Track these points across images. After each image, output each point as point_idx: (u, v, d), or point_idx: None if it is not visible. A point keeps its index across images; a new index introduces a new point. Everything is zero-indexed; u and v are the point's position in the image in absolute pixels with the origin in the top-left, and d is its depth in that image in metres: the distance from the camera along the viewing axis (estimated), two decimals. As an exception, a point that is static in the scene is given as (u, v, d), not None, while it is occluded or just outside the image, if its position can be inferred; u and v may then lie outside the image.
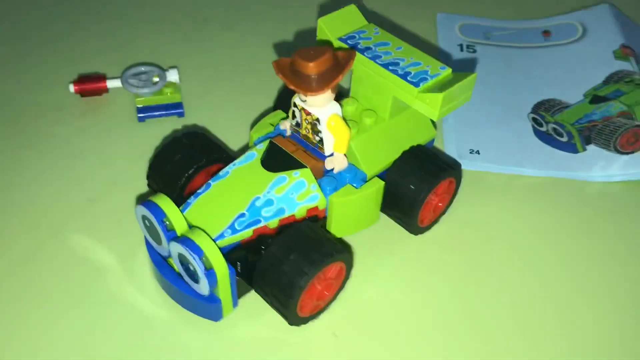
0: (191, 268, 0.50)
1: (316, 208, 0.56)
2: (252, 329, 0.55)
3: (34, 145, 0.69)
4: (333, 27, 0.61)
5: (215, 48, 0.84)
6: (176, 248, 0.50)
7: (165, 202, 0.52)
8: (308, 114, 0.55)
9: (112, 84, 0.74)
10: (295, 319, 0.53)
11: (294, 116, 0.57)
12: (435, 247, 0.62)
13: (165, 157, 0.59)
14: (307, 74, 0.52)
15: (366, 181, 0.58)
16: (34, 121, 0.72)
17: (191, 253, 0.49)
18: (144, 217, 0.53)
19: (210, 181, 0.55)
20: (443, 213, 0.64)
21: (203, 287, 0.50)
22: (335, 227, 0.58)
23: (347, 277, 0.56)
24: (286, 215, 0.54)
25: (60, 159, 0.68)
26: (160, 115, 0.72)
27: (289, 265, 0.50)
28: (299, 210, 0.55)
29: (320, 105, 0.54)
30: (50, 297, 0.56)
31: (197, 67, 0.80)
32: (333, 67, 0.53)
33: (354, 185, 0.57)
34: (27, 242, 0.60)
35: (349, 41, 0.60)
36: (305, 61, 0.52)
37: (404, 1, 0.94)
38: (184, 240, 0.50)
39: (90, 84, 0.74)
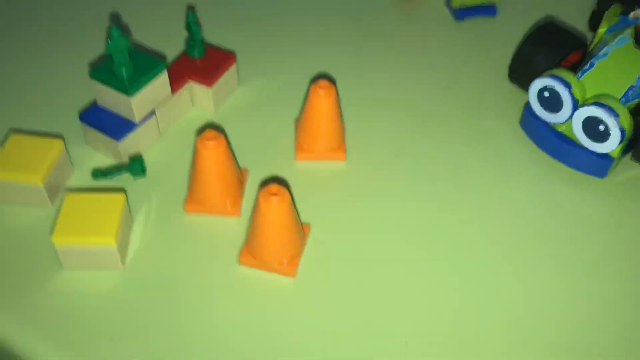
0: (601, 128, 0.60)
1: (677, 85, 0.65)
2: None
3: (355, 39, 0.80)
4: None
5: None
6: (588, 112, 0.60)
7: (568, 75, 0.62)
8: (680, 3, 0.63)
9: (430, -13, 0.83)
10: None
11: (657, 6, 0.66)
12: None
13: (533, 47, 0.68)
14: None
15: None
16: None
17: (610, 115, 0.58)
18: (542, 89, 0.63)
19: (592, 60, 0.64)
20: None
21: (612, 145, 0.60)
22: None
23: None
24: (663, 90, 0.63)
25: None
26: (475, 15, 0.82)
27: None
28: (672, 87, 0.64)
29: (699, -5, 0.62)
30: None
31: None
32: None
33: None
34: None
35: None
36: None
37: None
38: (601, 105, 0.59)
39: (411, -13, 0.83)
